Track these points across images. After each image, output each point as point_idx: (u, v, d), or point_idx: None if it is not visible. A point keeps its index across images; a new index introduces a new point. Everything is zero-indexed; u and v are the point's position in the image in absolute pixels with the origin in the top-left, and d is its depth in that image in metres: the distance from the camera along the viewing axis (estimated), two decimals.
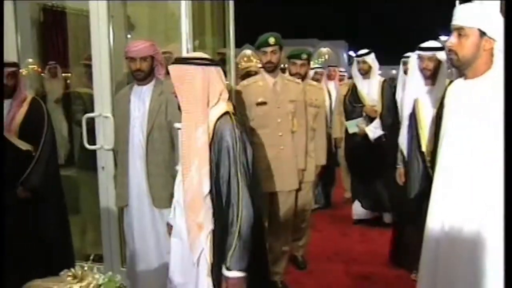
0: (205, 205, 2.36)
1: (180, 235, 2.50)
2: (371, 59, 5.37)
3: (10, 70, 3.50)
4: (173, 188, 2.67)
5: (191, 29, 3.54)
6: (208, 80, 2.39)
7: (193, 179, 2.37)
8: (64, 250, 3.71)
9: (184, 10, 3.52)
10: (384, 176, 5.15)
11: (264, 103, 3.76)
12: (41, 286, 1.77)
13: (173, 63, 2.45)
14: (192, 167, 2.37)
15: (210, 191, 2.35)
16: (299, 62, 4.36)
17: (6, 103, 3.52)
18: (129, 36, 4.55)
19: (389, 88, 5.29)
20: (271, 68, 3.77)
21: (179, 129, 2.81)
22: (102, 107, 3.79)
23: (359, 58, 5.40)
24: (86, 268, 1.85)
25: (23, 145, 3.50)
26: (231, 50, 4.23)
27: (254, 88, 3.82)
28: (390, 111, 5.10)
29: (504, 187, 2.10)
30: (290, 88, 3.87)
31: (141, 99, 3.46)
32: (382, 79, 5.46)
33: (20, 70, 3.80)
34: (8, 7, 4.04)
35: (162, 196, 3.37)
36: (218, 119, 2.38)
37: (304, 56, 4.41)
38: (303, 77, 4.33)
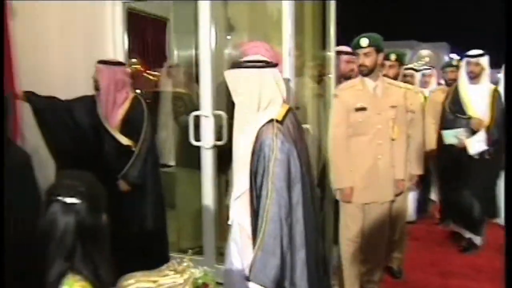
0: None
1: (236, 240, 2.48)
2: (485, 62, 4.76)
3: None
4: None
5: (293, 30, 3.51)
6: (260, 83, 2.34)
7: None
8: (160, 243, 3.82)
9: (287, 11, 3.50)
10: (478, 194, 4.80)
11: (363, 109, 3.52)
12: (142, 280, 1.82)
13: (230, 67, 2.46)
14: (239, 172, 2.36)
15: (251, 203, 2.31)
16: (387, 63, 4.16)
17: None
18: (228, 37, 4.62)
19: (500, 98, 4.68)
20: (365, 72, 3.54)
21: None
22: (203, 107, 3.89)
23: (472, 59, 4.75)
24: (185, 263, 1.89)
25: (124, 140, 3.65)
26: (332, 51, 4.15)
27: (352, 92, 3.59)
28: (499, 126, 4.59)
29: (505, 187, 2.01)
30: (391, 92, 3.62)
31: None
32: (493, 87, 4.81)
33: (128, 70, 3.98)
34: (117, 9, 4.25)
35: None
36: (262, 126, 2.32)
37: (393, 56, 4.21)
38: (393, 79, 3.99)
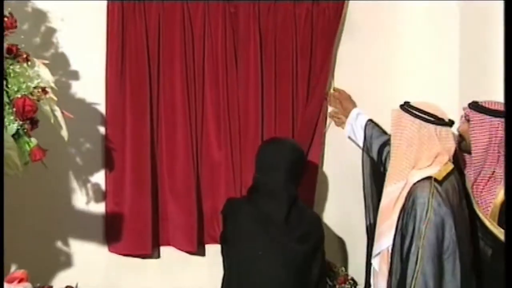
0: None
1: None
2: None
3: None
4: None
5: None
6: (421, 139, 2.23)
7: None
8: None
9: None
10: None
11: None
12: None
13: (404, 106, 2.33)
14: (383, 226, 2.28)
15: (391, 263, 2.20)
16: None
17: None
18: None
19: None
20: None
21: None
22: None
23: None
24: None
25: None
26: None
27: None
28: None
29: (505, 187, 1.83)
30: None
31: None
32: None
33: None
34: None
35: None
36: (416, 182, 2.19)
37: None
38: None
